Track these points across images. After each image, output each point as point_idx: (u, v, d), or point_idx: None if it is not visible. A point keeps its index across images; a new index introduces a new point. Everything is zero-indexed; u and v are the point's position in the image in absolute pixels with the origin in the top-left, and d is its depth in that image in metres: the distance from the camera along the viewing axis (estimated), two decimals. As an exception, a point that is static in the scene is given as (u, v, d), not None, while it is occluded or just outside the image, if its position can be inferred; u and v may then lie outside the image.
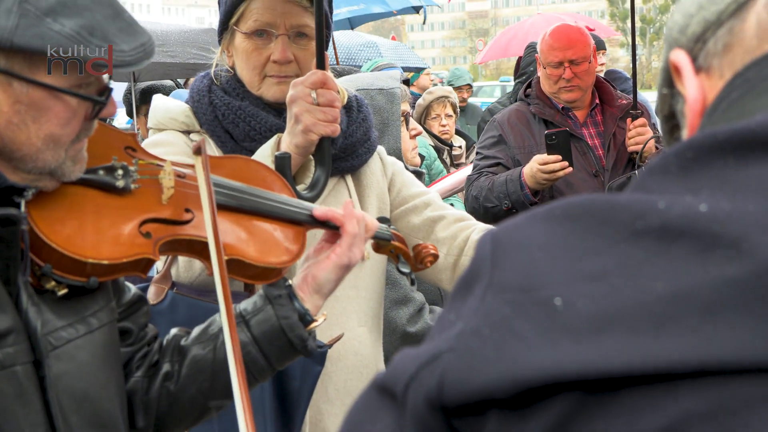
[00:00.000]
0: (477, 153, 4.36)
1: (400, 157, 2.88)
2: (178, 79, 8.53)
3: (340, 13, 8.73)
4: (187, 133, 2.24)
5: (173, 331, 1.77)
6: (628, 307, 0.72)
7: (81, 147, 1.45)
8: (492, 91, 29.82)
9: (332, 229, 1.79)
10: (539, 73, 4.32)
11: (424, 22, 10.56)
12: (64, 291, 1.45)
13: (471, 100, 10.18)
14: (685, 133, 0.96)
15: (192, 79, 5.87)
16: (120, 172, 1.53)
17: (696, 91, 0.92)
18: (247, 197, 1.73)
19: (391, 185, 2.39)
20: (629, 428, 0.70)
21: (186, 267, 2.01)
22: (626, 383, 0.70)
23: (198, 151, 1.57)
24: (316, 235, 1.85)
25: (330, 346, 1.91)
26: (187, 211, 1.60)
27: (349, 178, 2.33)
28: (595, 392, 0.71)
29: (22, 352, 1.37)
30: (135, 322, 1.69)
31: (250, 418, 1.39)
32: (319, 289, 1.73)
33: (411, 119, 3.24)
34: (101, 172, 1.51)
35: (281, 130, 2.13)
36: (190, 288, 2.04)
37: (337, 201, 2.24)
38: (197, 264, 1.96)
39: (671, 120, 1.04)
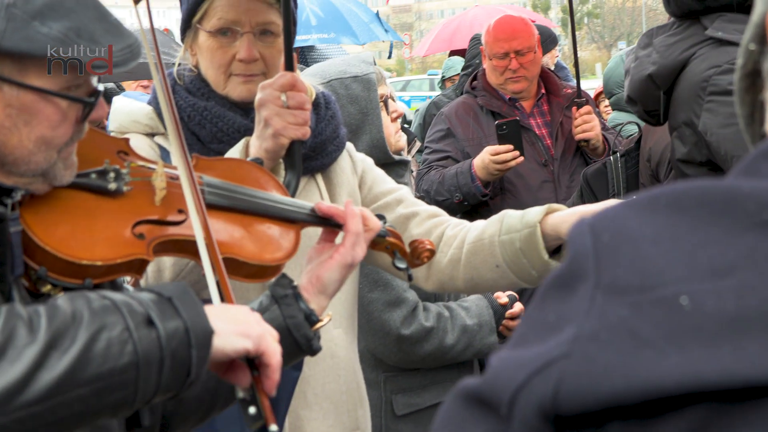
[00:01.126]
0: (426, 147, 4.36)
1: (384, 147, 2.84)
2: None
3: (310, 38, 8.92)
4: (151, 135, 2.19)
5: None
6: (767, 306, 0.67)
7: (72, 150, 1.45)
8: (420, 84, 29.92)
9: (332, 227, 1.78)
10: (485, 65, 4.33)
11: (389, 57, 10.73)
12: (60, 293, 1.44)
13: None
14: None
15: (132, 83, 5.75)
16: (112, 175, 1.53)
17: None
18: (240, 197, 1.73)
19: (361, 182, 2.35)
20: None
21: (155, 278, 1.97)
22: None
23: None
24: (308, 233, 1.84)
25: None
26: (180, 212, 1.61)
27: (319, 177, 2.29)
28: (734, 401, 0.67)
29: None
30: None
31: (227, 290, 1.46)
32: (323, 289, 1.73)
33: (390, 101, 3.11)
34: (93, 176, 1.52)
35: (249, 131, 2.09)
36: None
37: (308, 201, 2.17)
38: (166, 274, 1.95)
39: (751, 77, 0.97)
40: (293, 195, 2.00)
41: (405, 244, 1.94)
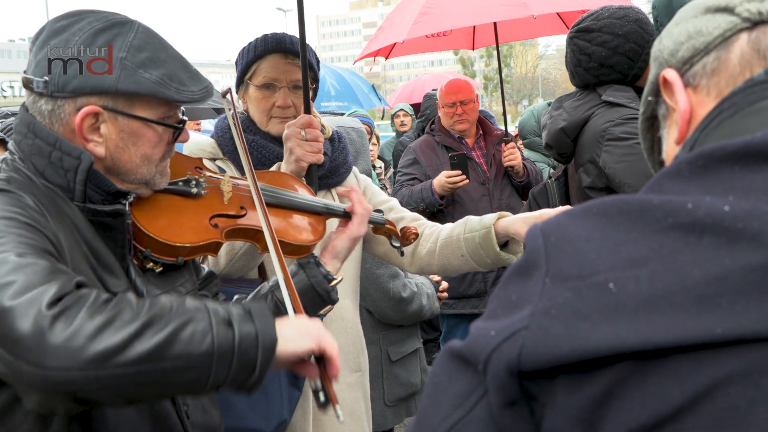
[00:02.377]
0: (398, 171, 4.37)
1: (370, 174, 2.86)
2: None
3: (330, 105, 9.03)
4: (213, 159, 2.12)
5: (235, 296, 1.75)
6: (671, 288, 0.66)
7: (166, 164, 1.45)
8: (386, 127, 29.84)
9: (345, 217, 1.80)
10: (440, 113, 4.37)
11: (383, 118, 10.89)
12: (160, 269, 1.46)
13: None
14: (672, 135, 0.89)
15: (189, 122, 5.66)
16: (194, 182, 1.55)
17: (686, 103, 0.85)
18: (283, 196, 1.75)
19: (364, 195, 2.29)
20: (679, 386, 0.65)
21: (214, 262, 1.93)
22: (675, 351, 0.65)
23: (227, 92, 1.68)
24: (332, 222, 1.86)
25: (325, 314, 1.83)
26: (242, 208, 1.61)
27: (334, 191, 2.25)
28: (648, 359, 0.66)
29: None
30: (210, 291, 1.66)
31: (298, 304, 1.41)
32: (336, 255, 1.74)
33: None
34: (180, 183, 1.53)
35: (282, 157, 2.07)
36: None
37: None
38: (221, 261, 1.92)
39: (650, 120, 0.97)
40: None
41: (398, 230, 1.97)
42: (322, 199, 1.83)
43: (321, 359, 1.27)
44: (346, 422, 2.15)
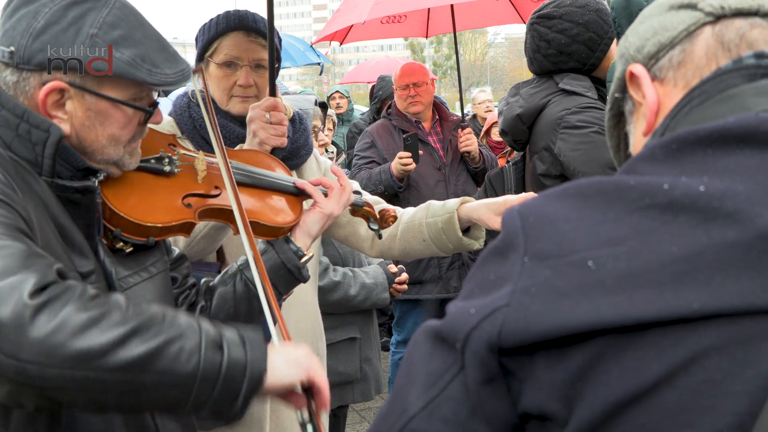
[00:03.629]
0: (355, 155, 4.28)
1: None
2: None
3: None
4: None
5: (204, 279, 1.68)
6: (649, 265, 0.66)
7: (136, 145, 1.38)
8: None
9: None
10: (395, 96, 4.31)
11: (321, 74, 10.59)
12: (130, 249, 1.40)
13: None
14: (639, 128, 0.89)
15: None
16: (166, 160, 1.49)
17: (654, 95, 0.86)
18: (259, 176, 1.67)
19: (324, 177, 2.25)
20: (657, 360, 0.65)
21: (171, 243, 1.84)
22: (653, 326, 0.65)
23: (198, 70, 1.59)
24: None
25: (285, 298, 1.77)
26: (216, 187, 1.55)
27: (294, 173, 2.17)
28: (626, 333, 0.66)
29: (101, 289, 1.26)
30: (180, 272, 1.60)
31: (284, 327, 1.33)
32: (307, 231, 1.66)
33: (320, 133, 3.12)
34: (153, 161, 1.47)
35: (244, 137, 1.99)
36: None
37: None
38: (180, 244, 1.83)
39: (617, 117, 0.97)
40: None
41: (376, 212, 1.90)
42: (302, 180, 1.75)
43: (308, 390, 1.20)
44: None
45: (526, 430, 0.74)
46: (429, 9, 5.00)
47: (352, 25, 4.82)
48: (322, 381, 1.21)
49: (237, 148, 1.95)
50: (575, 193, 0.73)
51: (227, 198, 1.52)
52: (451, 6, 4.49)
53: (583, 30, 2.45)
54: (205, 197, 1.52)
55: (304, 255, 1.64)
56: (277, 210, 1.66)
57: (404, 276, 3.29)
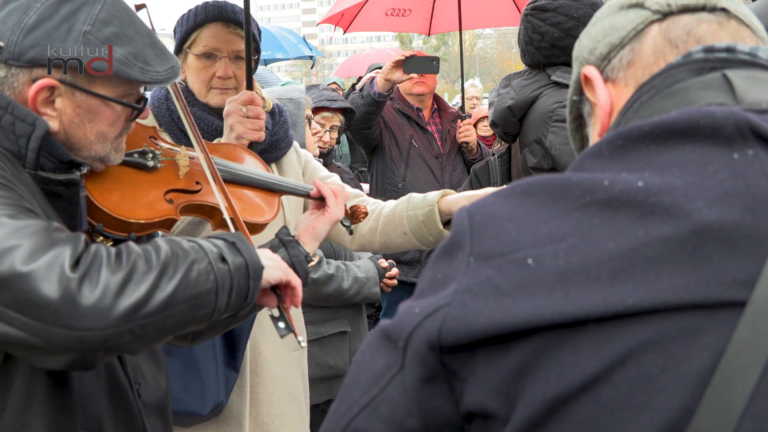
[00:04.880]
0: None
1: (304, 146, 2.71)
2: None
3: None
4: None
5: None
6: (587, 262, 0.66)
7: (122, 141, 1.36)
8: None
9: (308, 198, 1.73)
10: None
11: (312, 67, 10.47)
12: (110, 244, 1.33)
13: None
14: (596, 129, 0.89)
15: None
16: (150, 155, 1.46)
17: (606, 96, 0.86)
18: (239, 173, 1.64)
19: (304, 170, 2.18)
20: (594, 355, 0.64)
21: None
22: (590, 322, 0.65)
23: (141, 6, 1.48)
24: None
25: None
26: (197, 183, 1.52)
27: (273, 166, 2.10)
28: (563, 329, 0.66)
29: None
30: None
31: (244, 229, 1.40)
32: (316, 236, 1.66)
33: (312, 122, 3.04)
34: (136, 155, 1.44)
35: (221, 129, 1.92)
36: None
37: None
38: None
39: (578, 120, 0.97)
40: None
41: (348, 208, 1.86)
42: (287, 179, 1.71)
43: (276, 289, 1.30)
44: (283, 401, 2.07)
45: (470, 430, 0.74)
46: (433, 5, 4.93)
47: (357, 13, 4.71)
48: (297, 282, 1.32)
49: (215, 141, 1.88)
50: (522, 191, 0.73)
51: (208, 193, 1.50)
52: (458, 2, 4.41)
53: (577, 24, 2.38)
54: (187, 193, 1.49)
55: (312, 260, 1.61)
56: (256, 206, 1.63)
57: (394, 271, 3.23)
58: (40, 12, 1.18)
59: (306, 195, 1.73)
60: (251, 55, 1.94)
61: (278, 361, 2.06)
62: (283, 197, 1.77)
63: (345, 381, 0.81)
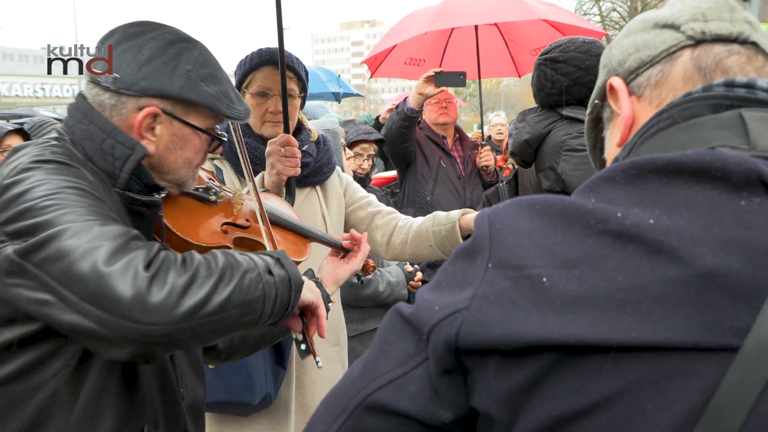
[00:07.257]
0: None
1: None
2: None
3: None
4: (211, 159, 2.11)
5: None
6: (597, 291, 0.63)
7: (198, 170, 1.42)
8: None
9: (338, 248, 1.82)
10: (426, 110, 4.31)
11: (339, 101, 10.25)
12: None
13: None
14: (614, 138, 0.86)
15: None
16: (213, 191, 1.53)
17: (629, 110, 0.83)
18: (280, 217, 1.73)
19: (345, 192, 2.30)
20: (596, 384, 0.63)
21: None
22: (595, 350, 0.63)
23: None
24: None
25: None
26: (247, 221, 1.60)
27: (318, 188, 2.23)
28: (571, 354, 0.64)
29: None
30: None
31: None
32: (337, 282, 1.73)
33: (346, 149, 3.28)
34: (201, 190, 1.51)
35: None
36: None
37: (311, 203, 2.19)
38: None
39: (595, 121, 0.94)
40: (292, 205, 1.99)
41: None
42: (320, 230, 1.83)
43: (303, 315, 1.35)
44: (324, 389, 2.16)
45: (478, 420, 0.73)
46: (442, 59, 5.07)
47: (383, 60, 4.88)
48: (323, 311, 1.37)
49: (257, 178, 2.02)
50: (541, 209, 0.70)
51: (255, 231, 1.58)
52: (477, 53, 4.60)
53: (584, 74, 2.51)
54: (239, 227, 1.56)
55: (332, 301, 1.67)
56: (290, 248, 1.72)
57: (419, 275, 3.38)
58: (152, 50, 1.26)
59: (339, 246, 1.80)
60: (286, 101, 2.02)
61: (321, 355, 2.15)
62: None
63: (368, 354, 0.79)
